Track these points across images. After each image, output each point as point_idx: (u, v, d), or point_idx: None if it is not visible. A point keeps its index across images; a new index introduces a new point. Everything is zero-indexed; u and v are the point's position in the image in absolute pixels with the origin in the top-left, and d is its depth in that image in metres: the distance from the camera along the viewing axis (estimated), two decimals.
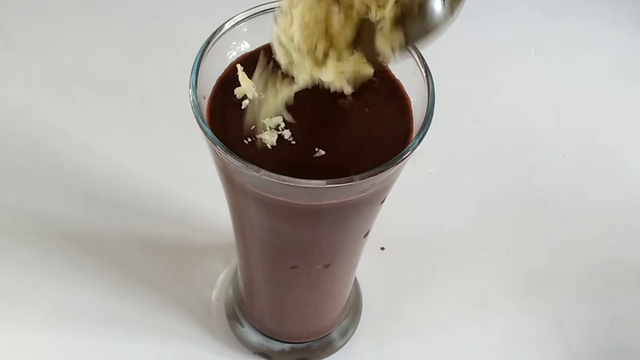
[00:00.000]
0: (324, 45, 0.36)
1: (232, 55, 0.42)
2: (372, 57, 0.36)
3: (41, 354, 0.55)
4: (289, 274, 0.48)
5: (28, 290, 0.58)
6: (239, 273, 0.54)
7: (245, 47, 0.42)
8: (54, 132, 0.66)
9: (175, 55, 0.70)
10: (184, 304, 0.58)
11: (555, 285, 0.61)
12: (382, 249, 0.62)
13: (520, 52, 0.77)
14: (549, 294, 0.61)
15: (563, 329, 0.59)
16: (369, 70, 0.37)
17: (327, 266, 0.47)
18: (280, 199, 0.38)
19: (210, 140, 0.37)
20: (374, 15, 0.35)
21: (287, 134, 0.39)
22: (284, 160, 0.38)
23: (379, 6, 0.35)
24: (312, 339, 0.56)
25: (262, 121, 0.38)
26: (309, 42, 0.36)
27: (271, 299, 0.53)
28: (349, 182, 0.36)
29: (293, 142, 0.39)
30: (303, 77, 0.37)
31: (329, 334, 0.57)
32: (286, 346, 0.56)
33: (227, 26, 0.41)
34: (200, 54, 0.39)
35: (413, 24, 0.35)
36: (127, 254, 0.60)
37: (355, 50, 0.36)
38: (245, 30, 0.41)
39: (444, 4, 0.35)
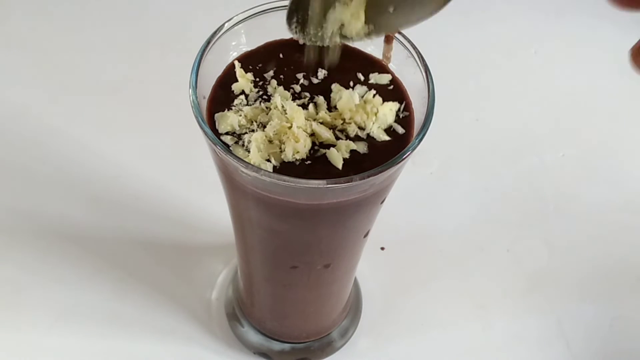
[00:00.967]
0: None
1: (232, 55, 0.42)
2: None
3: (41, 354, 0.55)
4: (289, 274, 0.48)
5: (28, 290, 0.58)
6: (239, 273, 0.54)
7: (245, 46, 0.42)
8: (54, 132, 0.66)
9: (175, 55, 0.70)
10: (184, 304, 0.58)
11: (555, 285, 0.61)
12: (382, 249, 0.62)
13: (520, 52, 0.77)
14: (549, 294, 0.61)
15: (563, 329, 0.59)
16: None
17: (327, 266, 0.47)
18: (280, 198, 0.38)
19: (210, 140, 0.37)
20: None
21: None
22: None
23: None
24: (312, 339, 0.56)
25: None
26: None
27: (271, 299, 0.53)
28: (349, 182, 0.36)
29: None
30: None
31: (329, 334, 0.57)
32: (286, 346, 0.56)
33: (227, 26, 0.41)
34: (200, 54, 0.39)
35: None
36: (127, 254, 0.60)
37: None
38: (245, 30, 0.42)
39: None
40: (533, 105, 0.73)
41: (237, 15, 0.41)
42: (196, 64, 0.39)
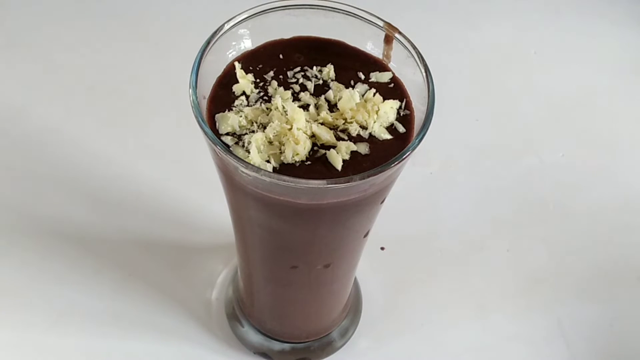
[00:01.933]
0: None
1: (232, 54, 0.42)
2: None
3: (41, 354, 0.55)
4: (289, 274, 0.48)
5: (28, 290, 0.58)
6: (239, 273, 0.54)
7: (245, 46, 0.42)
8: (54, 132, 0.66)
9: (175, 55, 0.70)
10: (184, 304, 0.58)
11: (555, 285, 0.61)
12: (382, 249, 0.62)
13: (520, 52, 0.77)
14: (549, 294, 0.61)
15: (563, 329, 0.59)
16: None
17: (327, 266, 0.47)
18: (280, 198, 0.38)
19: (210, 140, 0.37)
20: None
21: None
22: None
23: None
24: (312, 339, 0.56)
25: None
26: None
27: (271, 298, 0.53)
28: (348, 182, 0.36)
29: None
30: None
31: (329, 333, 0.57)
32: (286, 346, 0.56)
33: (227, 26, 0.41)
34: (200, 54, 0.39)
35: None
36: (127, 254, 0.60)
37: None
38: (245, 30, 0.42)
39: None
40: (533, 105, 0.73)
41: (237, 15, 0.41)
42: (196, 64, 0.39)
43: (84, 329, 0.56)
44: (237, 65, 0.40)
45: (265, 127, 0.39)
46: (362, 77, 0.41)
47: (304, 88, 0.41)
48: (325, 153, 0.38)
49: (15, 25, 0.75)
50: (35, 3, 0.76)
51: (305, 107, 0.40)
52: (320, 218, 0.41)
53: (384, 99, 0.40)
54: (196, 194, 0.63)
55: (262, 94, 0.40)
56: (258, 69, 0.41)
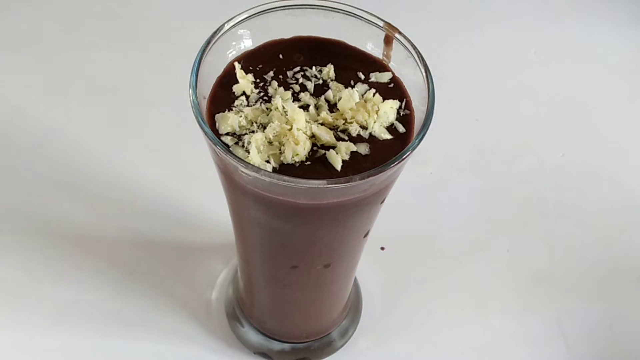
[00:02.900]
0: None
1: (232, 54, 0.42)
2: None
3: (41, 354, 0.55)
4: (289, 274, 0.48)
5: (28, 290, 0.58)
6: (239, 273, 0.54)
7: (245, 46, 0.42)
8: (54, 132, 0.66)
9: (175, 55, 0.70)
10: (184, 304, 0.58)
11: (555, 285, 0.61)
12: (382, 249, 0.62)
13: (520, 52, 0.77)
14: (549, 294, 0.61)
15: (563, 329, 0.59)
16: None
17: (327, 266, 0.47)
18: (280, 198, 0.38)
19: (210, 140, 0.37)
20: None
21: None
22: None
23: None
24: (312, 339, 0.56)
25: None
26: None
27: (271, 298, 0.53)
28: (348, 182, 0.36)
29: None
30: None
31: (329, 333, 0.57)
32: (286, 346, 0.56)
33: (227, 26, 0.41)
34: (200, 54, 0.39)
35: None
36: (127, 254, 0.60)
37: None
38: (245, 30, 0.42)
39: None
40: (533, 105, 0.73)
41: (237, 15, 0.41)
42: (196, 64, 0.39)
43: (84, 329, 0.56)
44: (237, 65, 0.40)
45: (265, 127, 0.39)
46: (362, 77, 0.41)
47: (303, 88, 0.41)
48: (325, 153, 0.38)
49: (15, 26, 0.75)
50: (35, 3, 0.76)
51: (305, 107, 0.40)
52: (320, 218, 0.41)
53: (384, 99, 0.40)
54: (196, 194, 0.63)
55: (262, 94, 0.40)
56: (258, 69, 0.41)
